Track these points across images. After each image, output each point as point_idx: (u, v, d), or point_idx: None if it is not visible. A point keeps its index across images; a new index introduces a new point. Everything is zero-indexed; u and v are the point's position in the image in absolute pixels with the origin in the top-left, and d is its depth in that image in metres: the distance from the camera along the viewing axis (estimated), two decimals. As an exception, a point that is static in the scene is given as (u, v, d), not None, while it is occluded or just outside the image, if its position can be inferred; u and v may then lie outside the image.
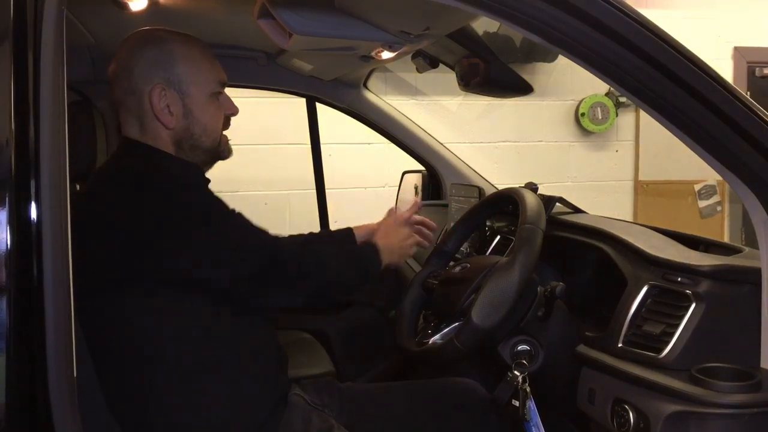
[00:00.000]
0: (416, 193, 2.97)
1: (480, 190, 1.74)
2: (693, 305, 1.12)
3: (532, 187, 1.55)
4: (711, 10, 4.44)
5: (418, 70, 1.99)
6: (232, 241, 1.23)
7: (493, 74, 1.67)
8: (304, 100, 2.59)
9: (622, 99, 4.22)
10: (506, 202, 1.40)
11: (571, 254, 1.45)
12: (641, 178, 4.37)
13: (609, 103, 4.19)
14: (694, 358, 1.10)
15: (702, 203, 4.47)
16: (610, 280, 1.33)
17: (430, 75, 3.84)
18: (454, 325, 1.28)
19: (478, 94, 1.86)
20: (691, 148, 1.12)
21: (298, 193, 3.87)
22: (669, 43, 1.00)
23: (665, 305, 1.16)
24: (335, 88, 2.44)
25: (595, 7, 0.96)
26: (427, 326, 1.41)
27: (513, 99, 4.14)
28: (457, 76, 1.83)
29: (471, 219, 1.49)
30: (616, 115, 4.24)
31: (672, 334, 1.12)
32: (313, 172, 2.70)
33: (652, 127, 4.46)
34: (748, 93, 4.59)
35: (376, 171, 3.95)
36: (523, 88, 1.72)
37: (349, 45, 1.73)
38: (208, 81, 1.34)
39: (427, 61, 1.91)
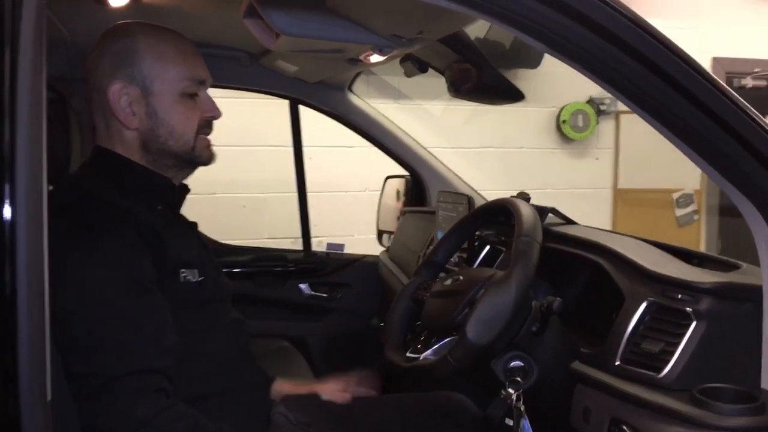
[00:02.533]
0: (398, 198, 2.93)
1: (469, 198, 1.70)
2: (694, 323, 1.09)
3: (525, 197, 1.51)
4: (691, 21, 4.48)
5: (407, 75, 1.95)
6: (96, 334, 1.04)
7: (485, 80, 1.64)
8: (283, 101, 2.53)
9: (603, 107, 4.23)
10: (499, 213, 1.36)
11: (564, 267, 1.42)
12: (620, 186, 4.39)
13: (590, 110, 4.20)
14: (694, 378, 1.06)
15: (679, 212, 4.50)
16: (605, 295, 1.29)
17: (414, 79, 3.79)
18: (446, 341, 1.24)
19: (468, 100, 1.82)
20: (690, 158, 1.07)
21: (276, 196, 3.81)
22: (666, 45, 0.97)
23: (664, 322, 1.13)
24: (319, 90, 2.40)
25: (590, 7, 0.93)
26: (417, 340, 1.36)
27: (497, 105, 4.13)
28: (447, 81, 1.79)
29: (462, 229, 1.44)
30: (597, 123, 4.25)
31: (672, 353, 1.09)
32: (295, 176, 2.64)
33: (631, 135, 4.50)
34: (726, 103, 4.63)
35: (357, 175, 3.90)
36: (515, 95, 1.68)
37: (338, 47, 1.68)
38: (178, 78, 1.25)
39: (417, 65, 1.87)
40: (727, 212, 4.67)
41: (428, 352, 1.24)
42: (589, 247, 1.33)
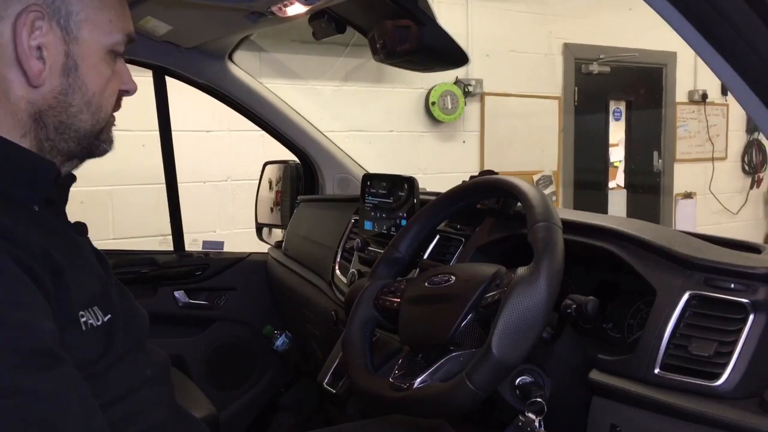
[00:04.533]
0: (271, 187, 2.59)
1: (412, 180, 1.43)
2: (752, 316, 0.91)
3: (491, 174, 1.27)
4: (543, 6, 4.55)
5: (316, 36, 1.62)
6: None
7: (428, 40, 1.37)
8: (142, 71, 2.09)
9: (470, 88, 4.15)
10: (488, 194, 1.12)
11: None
12: (486, 168, 4.35)
13: (458, 91, 4.10)
14: (760, 383, 0.89)
15: (540, 193, 4.57)
16: (615, 290, 1.10)
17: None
18: (445, 359, 0.97)
19: (399, 66, 1.55)
20: None
21: (121, 189, 3.29)
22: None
23: (712, 318, 0.95)
24: (194, 58, 1.99)
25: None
26: (392, 360, 1.08)
27: (363, 86, 3.90)
28: (374, 42, 1.50)
29: (433, 216, 1.17)
30: (465, 105, 4.17)
31: (728, 355, 0.91)
32: (163, 163, 2.21)
33: (495, 118, 4.49)
34: (576, 89, 4.78)
35: (217, 163, 3.48)
36: (459, 58, 1.44)
37: (250, -7, 1.34)
38: (111, 28, 0.88)
39: (333, 24, 1.55)
40: (579, 186, 4.86)
41: (423, 376, 0.96)
42: (595, 232, 1.12)
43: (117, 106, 0.94)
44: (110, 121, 0.93)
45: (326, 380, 1.41)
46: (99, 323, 0.81)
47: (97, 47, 0.87)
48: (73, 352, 0.75)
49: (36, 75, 0.82)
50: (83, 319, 0.79)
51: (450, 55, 1.44)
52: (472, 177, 1.31)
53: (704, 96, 5.26)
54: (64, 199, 0.92)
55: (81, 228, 0.95)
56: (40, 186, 0.85)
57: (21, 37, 0.80)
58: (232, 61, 2.06)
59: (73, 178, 0.94)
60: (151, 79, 2.08)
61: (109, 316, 0.83)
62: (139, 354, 0.90)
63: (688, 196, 5.29)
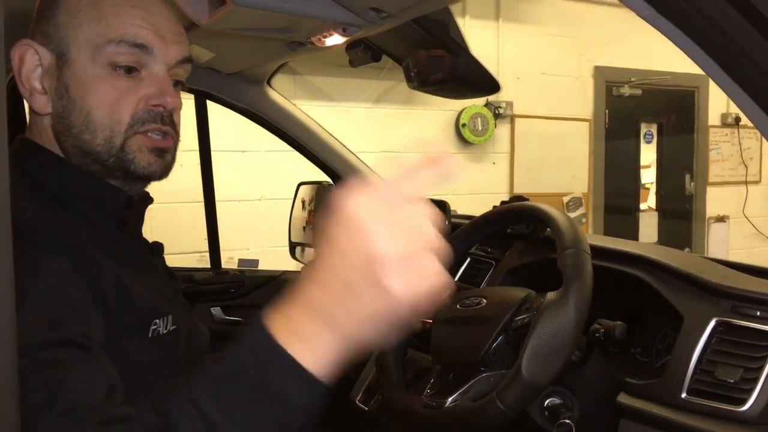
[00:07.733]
0: (303, 207, 2.65)
1: (444, 204, 1.47)
2: (777, 344, 0.94)
3: (522, 199, 1.31)
4: (574, 29, 4.58)
5: (353, 64, 1.68)
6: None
7: (461, 69, 1.42)
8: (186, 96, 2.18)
9: (500, 110, 4.19)
10: (520, 220, 1.15)
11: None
12: (516, 190, 4.38)
13: (488, 113, 4.14)
14: (786, 410, 0.91)
15: (570, 215, 4.57)
16: (642, 315, 1.12)
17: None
18: (476, 379, 1.01)
19: (434, 93, 1.59)
20: None
21: (159, 206, 3.37)
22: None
23: (738, 345, 0.97)
24: (234, 83, 2.06)
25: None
26: (423, 378, 1.12)
27: (394, 107, 3.96)
28: (408, 71, 1.55)
29: (465, 240, 1.22)
30: (495, 127, 4.21)
31: (754, 381, 0.94)
32: (202, 182, 2.28)
33: (525, 140, 4.52)
34: (607, 111, 4.79)
35: (250, 182, 3.56)
36: (491, 87, 1.49)
37: (288, 25, 1.40)
38: (97, 41, 0.85)
39: (369, 53, 1.61)
40: (610, 209, 4.84)
41: (455, 395, 1.00)
42: (624, 259, 1.15)
43: (152, 123, 0.88)
44: (135, 143, 0.88)
45: (359, 397, 1.45)
46: (165, 332, 0.87)
47: (84, 65, 0.86)
48: (135, 357, 0.80)
49: (39, 105, 0.87)
50: (154, 327, 0.84)
51: (482, 83, 1.49)
52: (503, 202, 1.36)
53: (737, 119, 5.23)
54: (140, 220, 0.98)
55: (155, 248, 1.01)
56: (112, 211, 0.90)
57: (16, 71, 0.86)
58: (271, 86, 2.13)
59: (147, 200, 0.98)
60: (187, 101, 2.16)
61: (174, 327, 0.89)
62: (197, 369, 0.95)
63: (721, 219, 5.24)
